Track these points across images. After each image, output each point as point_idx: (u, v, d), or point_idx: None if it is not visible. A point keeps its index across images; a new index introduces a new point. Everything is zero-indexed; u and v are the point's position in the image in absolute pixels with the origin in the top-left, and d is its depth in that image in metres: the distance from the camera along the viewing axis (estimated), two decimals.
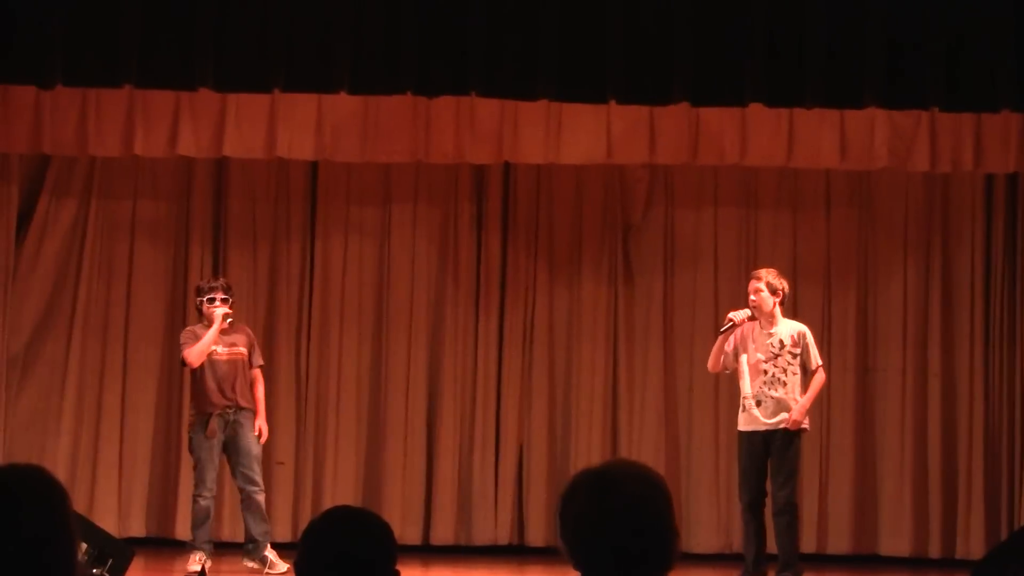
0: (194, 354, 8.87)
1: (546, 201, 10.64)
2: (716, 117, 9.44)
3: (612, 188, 10.61)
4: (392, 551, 2.85)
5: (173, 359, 10.42)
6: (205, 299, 8.96)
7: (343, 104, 9.43)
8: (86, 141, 9.53)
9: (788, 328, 8.56)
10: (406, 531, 10.08)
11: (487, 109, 9.46)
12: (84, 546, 6.68)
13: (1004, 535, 9.89)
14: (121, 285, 10.45)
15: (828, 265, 10.55)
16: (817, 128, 9.45)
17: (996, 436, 10.28)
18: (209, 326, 8.91)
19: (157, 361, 10.42)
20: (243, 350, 9.00)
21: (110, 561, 7.09)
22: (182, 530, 9.86)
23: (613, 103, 9.33)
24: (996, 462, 10.25)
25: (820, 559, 10.24)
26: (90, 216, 10.43)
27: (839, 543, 10.34)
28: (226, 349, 8.95)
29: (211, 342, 8.87)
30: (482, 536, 10.37)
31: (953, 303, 10.44)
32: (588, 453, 10.31)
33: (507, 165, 10.39)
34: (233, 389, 8.90)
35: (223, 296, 8.96)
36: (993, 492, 10.21)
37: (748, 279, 8.79)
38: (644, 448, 10.37)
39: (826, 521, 10.37)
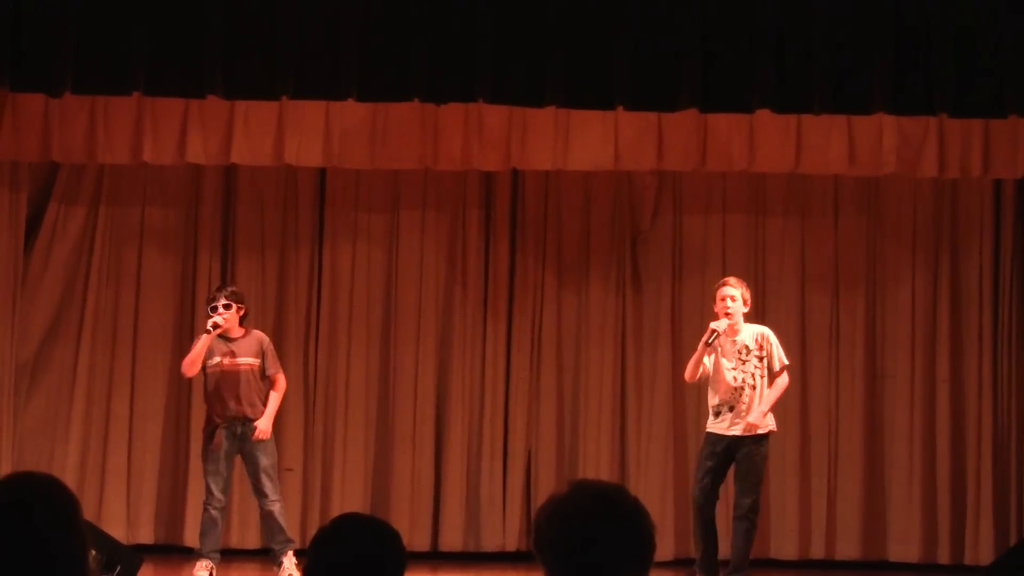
0: (185, 363, 8.91)
1: (554, 207, 10.64)
2: (724, 123, 9.44)
3: (620, 194, 10.61)
4: (401, 558, 2.86)
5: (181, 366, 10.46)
6: (209, 308, 8.92)
7: (351, 111, 9.43)
8: (95, 149, 9.54)
9: (751, 332, 8.56)
10: (415, 538, 10.08)
11: (495, 116, 9.46)
12: (93, 553, 6.69)
13: (1013, 541, 9.89)
14: (130, 292, 10.45)
15: (836, 271, 10.55)
16: (825, 134, 9.45)
17: (1005, 441, 10.27)
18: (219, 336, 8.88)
19: (166, 368, 10.41)
20: (251, 360, 8.89)
21: (118, 568, 7.11)
22: (191, 537, 9.87)
23: (621, 110, 9.33)
24: (1005, 467, 10.24)
25: (829, 565, 10.25)
26: (99, 223, 10.44)
27: (848, 549, 10.32)
28: (227, 359, 8.82)
29: (200, 351, 8.78)
30: (491, 542, 10.36)
31: (962, 309, 10.43)
32: (596, 459, 10.32)
33: (515, 171, 10.39)
34: (239, 400, 8.78)
35: (224, 303, 8.86)
36: (1002, 498, 10.19)
37: (718, 286, 8.70)
38: (652, 454, 10.37)
39: (835, 527, 10.36)
